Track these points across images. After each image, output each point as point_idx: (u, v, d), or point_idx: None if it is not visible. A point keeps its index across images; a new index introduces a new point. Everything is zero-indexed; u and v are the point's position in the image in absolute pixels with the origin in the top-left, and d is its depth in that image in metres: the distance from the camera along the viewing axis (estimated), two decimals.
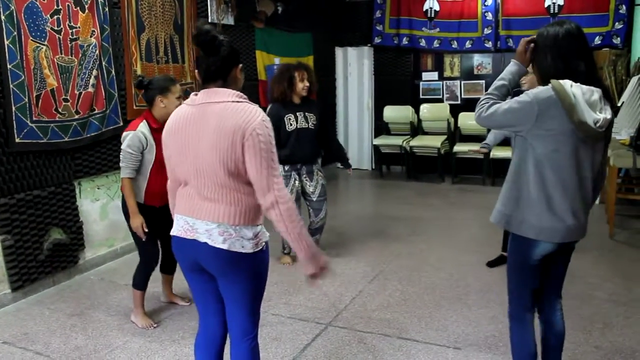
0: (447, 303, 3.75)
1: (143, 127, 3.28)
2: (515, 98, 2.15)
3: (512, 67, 2.26)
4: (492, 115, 2.17)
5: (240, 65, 2.12)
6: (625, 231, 5.26)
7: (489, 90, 2.25)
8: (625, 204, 5.87)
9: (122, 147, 3.24)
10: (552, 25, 2.20)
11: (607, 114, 2.10)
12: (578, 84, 2.07)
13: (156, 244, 3.51)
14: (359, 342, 3.23)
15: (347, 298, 3.86)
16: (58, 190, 4.17)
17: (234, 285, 2.14)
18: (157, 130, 3.29)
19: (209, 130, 1.97)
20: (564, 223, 2.18)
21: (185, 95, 5.31)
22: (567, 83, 2.06)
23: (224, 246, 2.03)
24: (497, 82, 2.25)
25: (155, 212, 3.42)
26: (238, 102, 2.00)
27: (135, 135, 3.23)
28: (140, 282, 3.48)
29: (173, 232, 2.18)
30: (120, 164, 3.25)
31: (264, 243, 2.13)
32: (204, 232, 2.06)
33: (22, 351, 3.21)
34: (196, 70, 2.10)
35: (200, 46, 2.02)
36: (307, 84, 4.27)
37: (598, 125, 2.06)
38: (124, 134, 3.27)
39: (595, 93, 2.09)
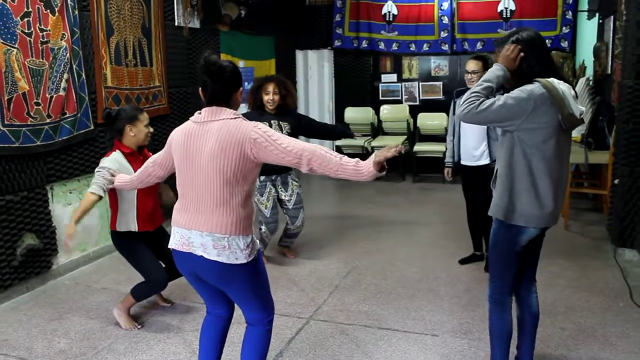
0: (420, 294, 3.93)
1: (116, 154, 3.36)
2: (508, 94, 2.32)
3: (498, 71, 2.39)
4: (484, 111, 2.30)
5: (241, 88, 2.33)
6: (577, 222, 5.60)
7: (475, 89, 2.36)
8: (576, 198, 6.23)
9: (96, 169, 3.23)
10: (523, 31, 2.43)
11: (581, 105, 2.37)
12: (560, 81, 2.31)
13: (156, 264, 3.48)
14: (341, 334, 3.36)
15: (324, 293, 3.98)
16: (31, 195, 4.13)
17: (235, 291, 2.34)
18: (131, 154, 3.39)
19: (209, 145, 2.18)
20: (548, 209, 2.40)
21: (153, 99, 5.34)
22: (554, 81, 2.30)
23: (219, 259, 2.21)
24: (483, 83, 2.38)
25: (150, 236, 3.49)
26: (234, 119, 2.21)
27: (109, 158, 3.31)
28: (138, 295, 3.50)
29: (171, 245, 2.36)
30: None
31: (256, 252, 2.30)
32: (199, 245, 2.23)
33: (4, 357, 3.19)
34: (200, 90, 2.29)
35: (208, 75, 2.22)
36: (273, 98, 4.29)
37: (581, 115, 2.32)
38: (101, 160, 3.33)
39: (571, 89, 2.35)
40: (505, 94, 2.33)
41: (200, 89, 2.29)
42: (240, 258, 2.22)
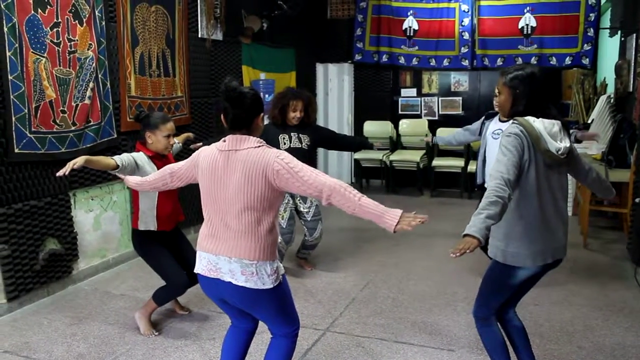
0: (437, 309, 3.92)
1: (141, 154, 3.41)
2: (501, 147, 2.36)
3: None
4: (507, 175, 2.25)
5: (262, 114, 2.36)
6: (597, 241, 5.54)
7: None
8: (596, 216, 6.17)
9: None
10: (527, 68, 2.49)
11: (567, 142, 2.41)
12: (540, 118, 2.38)
13: (176, 267, 3.50)
14: (357, 346, 3.36)
15: (341, 305, 3.99)
16: (54, 201, 4.21)
17: (262, 313, 2.42)
18: (154, 157, 3.45)
19: (236, 176, 2.23)
20: (537, 246, 2.42)
21: (175, 109, 5.41)
22: (530, 119, 2.38)
23: (247, 285, 2.26)
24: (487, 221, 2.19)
25: (167, 236, 3.54)
26: (258, 147, 2.26)
27: (137, 153, 3.38)
28: (160, 300, 3.54)
29: (197, 270, 2.40)
30: None
31: (281, 277, 2.36)
32: (227, 271, 2.28)
33: None
34: (222, 116, 2.34)
35: (229, 101, 2.27)
36: (299, 116, 4.34)
37: (560, 152, 2.36)
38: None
39: (556, 125, 2.40)
40: (499, 149, 2.37)
41: (222, 114, 2.34)
42: (267, 283, 2.27)
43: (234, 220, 2.25)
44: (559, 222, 2.49)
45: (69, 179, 4.32)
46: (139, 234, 3.52)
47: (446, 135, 5.07)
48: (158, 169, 3.31)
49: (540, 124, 2.36)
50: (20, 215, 3.93)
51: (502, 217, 2.21)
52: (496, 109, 4.00)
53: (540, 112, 2.41)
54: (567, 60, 7.52)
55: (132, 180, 2.85)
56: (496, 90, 4.12)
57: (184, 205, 3.83)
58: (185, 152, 3.97)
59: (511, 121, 2.44)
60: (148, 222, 3.47)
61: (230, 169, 2.24)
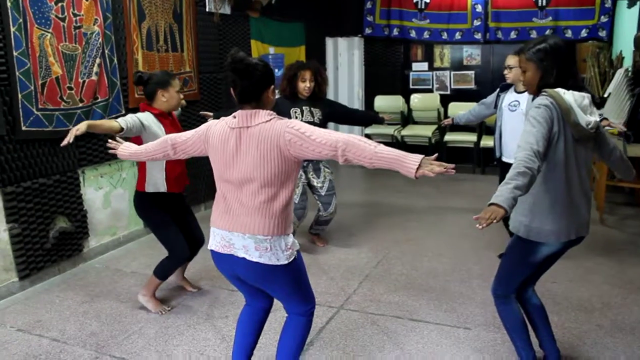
0: (452, 286, 3.86)
1: (146, 114, 3.31)
2: (529, 119, 2.26)
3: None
4: (535, 145, 2.17)
5: (272, 86, 2.25)
6: (613, 217, 5.45)
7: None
8: (612, 191, 6.06)
9: None
10: (549, 39, 2.37)
11: (596, 116, 2.32)
12: (570, 91, 2.28)
13: (181, 237, 3.46)
14: (372, 324, 3.32)
15: (354, 283, 3.94)
16: (63, 179, 4.16)
17: (277, 290, 2.36)
18: (160, 115, 3.34)
19: (251, 153, 2.14)
20: (562, 222, 2.35)
21: (184, 85, 5.34)
22: (560, 90, 2.28)
23: (261, 260, 2.20)
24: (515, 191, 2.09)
25: (174, 202, 3.47)
26: (269, 120, 2.16)
27: (142, 114, 3.28)
28: (163, 273, 3.49)
29: (210, 247, 2.34)
30: None
31: (295, 253, 2.29)
32: (240, 247, 2.22)
33: (38, 338, 3.23)
34: (231, 89, 2.23)
35: (235, 73, 2.16)
36: (309, 85, 4.26)
37: (590, 126, 2.27)
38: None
39: (586, 98, 2.30)
40: (527, 120, 2.28)
41: (231, 88, 2.23)
42: (281, 259, 2.21)
43: (249, 198, 2.18)
44: (583, 198, 2.41)
45: (77, 156, 4.27)
46: (147, 197, 3.40)
47: (461, 111, 4.95)
48: (164, 128, 3.26)
49: (570, 96, 2.26)
50: (29, 193, 3.89)
51: (529, 189, 2.13)
52: (522, 87, 3.87)
53: (572, 82, 2.32)
54: (583, 33, 7.32)
55: (125, 151, 2.67)
56: (507, 64, 4.07)
57: (194, 181, 3.76)
58: (197, 121, 3.86)
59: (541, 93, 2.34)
60: (158, 183, 3.36)
61: (244, 147, 2.16)
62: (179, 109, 3.68)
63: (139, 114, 3.25)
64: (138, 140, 3.14)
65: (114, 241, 4.71)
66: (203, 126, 2.35)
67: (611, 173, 6.07)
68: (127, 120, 3.11)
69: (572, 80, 2.34)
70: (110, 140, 2.74)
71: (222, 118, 2.30)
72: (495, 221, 1.97)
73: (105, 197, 4.60)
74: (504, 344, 3.04)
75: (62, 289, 3.94)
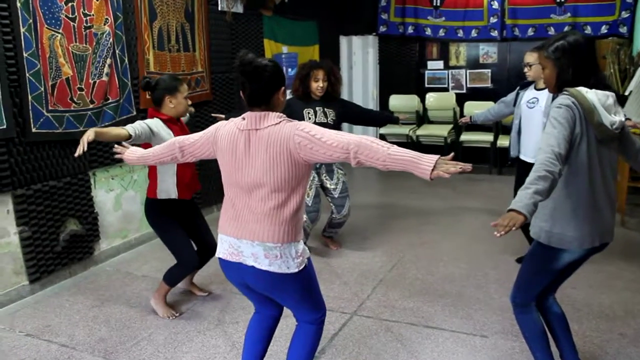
0: (468, 292, 3.76)
1: (155, 120, 3.26)
2: (550, 119, 2.16)
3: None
4: (553, 149, 2.06)
5: (283, 87, 2.17)
6: (634, 219, 5.29)
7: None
8: (634, 193, 5.90)
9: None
10: (569, 36, 2.29)
11: (621, 116, 2.21)
12: (593, 90, 2.18)
13: (190, 245, 3.41)
14: (386, 331, 3.23)
15: (368, 287, 3.85)
16: (74, 181, 4.13)
17: (286, 299, 2.29)
18: (169, 121, 3.29)
19: (261, 158, 2.08)
20: (585, 228, 2.24)
21: (196, 85, 5.28)
22: (582, 89, 2.17)
23: (270, 268, 2.12)
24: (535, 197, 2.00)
25: (184, 208, 3.42)
26: (278, 123, 2.09)
27: (151, 120, 3.23)
28: (171, 280, 3.45)
29: (218, 254, 2.27)
30: None
31: (306, 260, 2.21)
32: (249, 255, 2.15)
33: (47, 343, 3.19)
34: (241, 92, 2.16)
35: (244, 75, 2.09)
36: (322, 85, 4.17)
37: (614, 127, 2.16)
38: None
39: (610, 97, 2.20)
40: (548, 121, 2.17)
41: (241, 90, 2.16)
42: (292, 267, 2.14)
43: (259, 203, 2.11)
44: (607, 202, 2.30)
45: (88, 158, 4.23)
46: (157, 204, 3.36)
47: (478, 110, 4.84)
48: (174, 133, 3.20)
49: (593, 96, 2.16)
50: (40, 196, 3.85)
51: (551, 194, 2.03)
52: (542, 84, 3.76)
53: (594, 80, 2.22)
54: (603, 29, 7.14)
55: (132, 155, 2.60)
56: (525, 61, 3.96)
57: (205, 183, 3.70)
58: (209, 122, 3.77)
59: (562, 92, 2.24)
60: (169, 189, 3.31)
61: (253, 150, 2.09)
62: (187, 115, 3.63)
63: (148, 120, 3.19)
64: (147, 147, 3.08)
65: (125, 244, 4.66)
66: (211, 127, 2.28)
67: (634, 174, 5.92)
68: (136, 127, 3.06)
69: (594, 77, 2.24)
70: (116, 146, 2.69)
71: (231, 119, 2.23)
72: (514, 228, 1.89)
73: (116, 199, 4.56)
74: (523, 353, 2.94)
75: (72, 292, 3.90)
